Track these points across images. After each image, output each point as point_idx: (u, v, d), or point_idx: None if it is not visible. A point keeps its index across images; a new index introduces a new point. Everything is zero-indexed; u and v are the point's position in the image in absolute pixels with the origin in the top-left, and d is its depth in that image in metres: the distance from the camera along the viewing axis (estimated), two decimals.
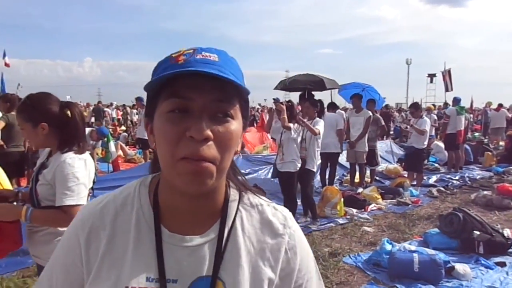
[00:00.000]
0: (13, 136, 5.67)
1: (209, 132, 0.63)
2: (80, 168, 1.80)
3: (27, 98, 1.91)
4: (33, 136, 1.87)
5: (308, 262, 0.81)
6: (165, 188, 0.73)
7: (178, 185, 0.66)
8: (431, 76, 44.12)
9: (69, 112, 1.87)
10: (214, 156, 0.64)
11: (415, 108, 7.99)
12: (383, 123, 8.07)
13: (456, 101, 9.99)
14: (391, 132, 16.32)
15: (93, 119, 16.88)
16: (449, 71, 17.03)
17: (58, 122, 1.84)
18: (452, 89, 16.88)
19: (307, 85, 8.65)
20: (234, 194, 0.79)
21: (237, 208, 0.77)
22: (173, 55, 0.67)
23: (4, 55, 13.79)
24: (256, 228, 0.77)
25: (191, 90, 0.64)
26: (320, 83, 8.69)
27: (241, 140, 0.74)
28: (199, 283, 0.70)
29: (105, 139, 8.05)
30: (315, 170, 5.61)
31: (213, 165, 0.64)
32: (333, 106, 8.31)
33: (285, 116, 4.91)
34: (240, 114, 0.70)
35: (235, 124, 0.67)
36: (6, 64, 13.67)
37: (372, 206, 6.22)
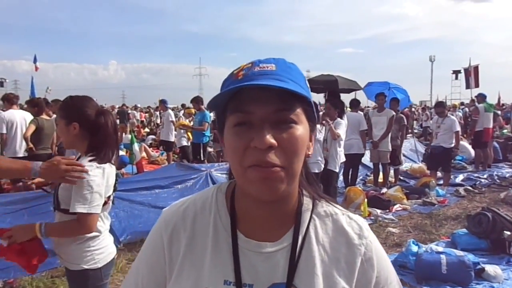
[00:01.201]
0: (42, 139, 5.84)
1: (271, 140, 0.64)
2: (97, 177, 1.83)
3: (69, 97, 2.01)
4: (65, 133, 1.94)
5: (387, 274, 0.79)
6: (240, 194, 0.76)
7: (251, 192, 0.68)
8: (456, 72, 43.08)
9: (102, 119, 1.92)
10: (280, 162, 0.65)
11: (443, 107, 7.80)
12: (405, 122, 7.92)
13: (483, 97, 9.70)
14: (415, 131, 16.02)
15: (117, 122, 17.22)
16: (476, 68, 16.40)
17: (89, 126, 1.90)
18: (478, 86, 16.33)
19: (320, 86, 8.59)
20: (307, 202, 0.78)
21: (311, 217, 0.77)
22: (234, 72, 0.71)
23: (35, 60, 14.22)
24: (330, 237, 0.76)
25: (252, 103, 0.66)
26: (333, 83, 8.61)
27: (312, 143, 0.75)
28: None
29: (130, 141, 8.19)
30: (337, 170, 5.56)
31: (281, 170, 0.65)
32: (355, 104, 8.21)
33: None
34: (304, 118, 0.70)
35: (300, 129, 0.68)
36: (36, 68, 14.09)
37: (397, 207, 6.11)
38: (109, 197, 1.96)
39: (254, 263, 0.73)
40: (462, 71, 17.71)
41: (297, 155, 0.67)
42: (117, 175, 2.05)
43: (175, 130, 9.31)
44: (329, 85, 8.61)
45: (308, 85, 0.74)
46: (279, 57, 0.72)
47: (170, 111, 9.77)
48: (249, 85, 0.64)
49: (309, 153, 0.73)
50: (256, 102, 0.65)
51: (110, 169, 1.94)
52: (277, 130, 0.65)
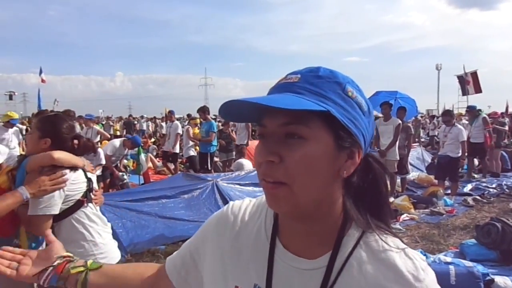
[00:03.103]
0: None
1: (271, 155, 0.63)
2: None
3: (53, 115, 2.08)
4: (35, 144, 1.97)
5: None
6: None
7: None
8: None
9: (76, 142, 2.01)
10: (281, 178, 0.63)
11: (451, 116, 7.76)
12: (412, 131, 7.88)
13: (476, 110, 9.56)
14: (422, 140, 15.93)
15: (124, 132, 17.38)
16: (474, 74, 15.49)
17: (60, 146, 1.95)
18: (481, 91, 15.69)
19: None
20: (354, 229, 0.71)
21: (357, 244, 0.70)
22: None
23: (41, 72, 14.43)
24: (375, 269, 0.68)
25: (266, 116, 0.66)
26: None
27: (351, 163, 0.67)
28: None
29: (137, 151, 8.21)
30: None
31: (283, 186, 0.64)
32: None
33: None
34: (323, 132, 0.63)
35: (309, 145, 0.63)
36: (43, 81, 14.29)
37: (404, 216, 6.05)
38: (84, 196, 1.99)
39: (286, 276, 0.71)
40: (458, 78, 16.51)
41: (303, 173, 0.63)
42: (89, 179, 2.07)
43: (182, 142, 9.35)
44: None
45: (354, 95, 0.66)
46: (317, 66, 0.68)
47: (177, 122, 9.82)
48: (235, 101, 0.63)
49: (344, 175, 0.67)
50: (268, 115, 0.65)
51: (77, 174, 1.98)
52: (283, 145, 0.63)
